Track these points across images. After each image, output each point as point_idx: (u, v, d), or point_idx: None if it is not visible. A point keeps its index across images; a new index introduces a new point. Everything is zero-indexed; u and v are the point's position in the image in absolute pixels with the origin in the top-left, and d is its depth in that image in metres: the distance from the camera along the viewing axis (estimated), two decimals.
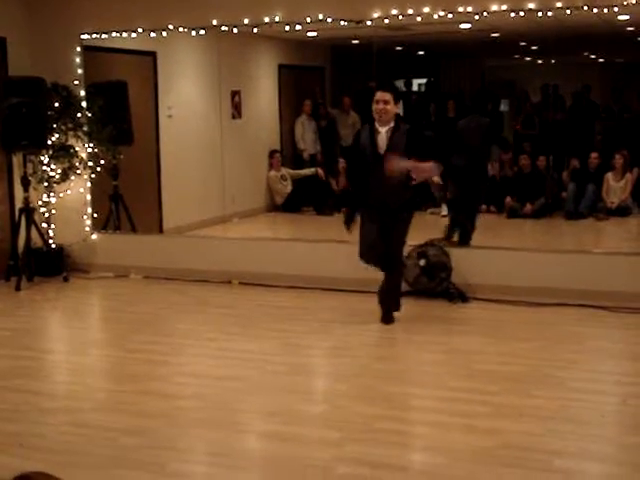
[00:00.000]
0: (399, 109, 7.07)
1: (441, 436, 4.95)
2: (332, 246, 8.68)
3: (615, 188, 11.50)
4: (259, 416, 5.46)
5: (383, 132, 6.91)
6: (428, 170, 6.74)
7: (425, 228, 9.10)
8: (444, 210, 11.64)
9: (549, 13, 7.97)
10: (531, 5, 7.95)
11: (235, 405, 5.57)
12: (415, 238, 8.67)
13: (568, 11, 7.91)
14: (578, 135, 12.33)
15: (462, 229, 9.32)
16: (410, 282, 8.30)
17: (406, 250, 8.32)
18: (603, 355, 6.59)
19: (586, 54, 12.84)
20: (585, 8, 7.83)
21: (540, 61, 13.50)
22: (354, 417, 5.28)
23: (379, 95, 6.90)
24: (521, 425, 5.07)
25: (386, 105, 6.87)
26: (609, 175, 11.57)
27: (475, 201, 9.83)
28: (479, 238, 9.18)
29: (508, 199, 11.64)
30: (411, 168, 6.66)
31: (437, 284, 8.20)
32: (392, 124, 6.93)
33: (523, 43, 12.24)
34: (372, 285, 8.27)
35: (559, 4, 7.87)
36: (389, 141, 6.87)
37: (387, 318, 7.30)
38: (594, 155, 11.64)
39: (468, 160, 9.43)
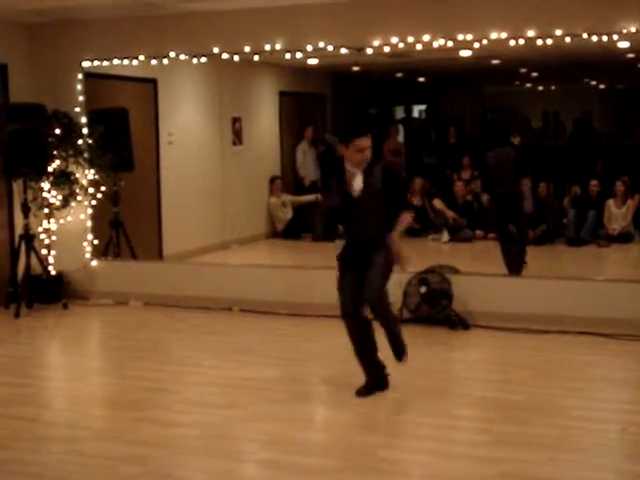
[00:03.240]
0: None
1: (442, 464, 4.91)
2: (333, 273, 8.63)
3: (617, 215, 11.50)
4: (259, 444, 5.41)
5: (359, 174, 6.11)
6: (406, 224, 6.28)
7: (427, 255, 9.09)
8: (445, 236, 11.65)
9: (549, 40, 7.99)
10: (531, 33, 7.97)
11: (235, 433, 5.53)
12: (416, 265, 8.67)
13: (568, 39, 7.93)
14: (579, 162, 12.36)
15: (514, 258, 9.30)
16: (411, 309, 8.29)
17: (407, 278, 8.32)
18: (604, 383, 6.55)
19: (587, 81, 12.89)
20: (585, 36, 7.85)
21: (541, 88, 13.56)
22: (354, 445, 5.24)
23: (360, 142, 6.02)
24: (522, 453, 5.03)
25: (367, 152, 6.07)
26: (610, 202, 11.58)
27: (520, 230, 9.78)
28: (480, 265, 9.17)
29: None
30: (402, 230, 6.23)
31: (438, 311, 8.18)
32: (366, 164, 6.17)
33: (523, 70, 12.28)
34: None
35: (559, 32, 7.89)
36: (365, 182, 6.11)
37: (367, 387, 6.29)
38: (594, 183, 11.67)
39: (505, 192, 9.47)
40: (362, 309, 6.27)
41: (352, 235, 6.31)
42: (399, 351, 6.34)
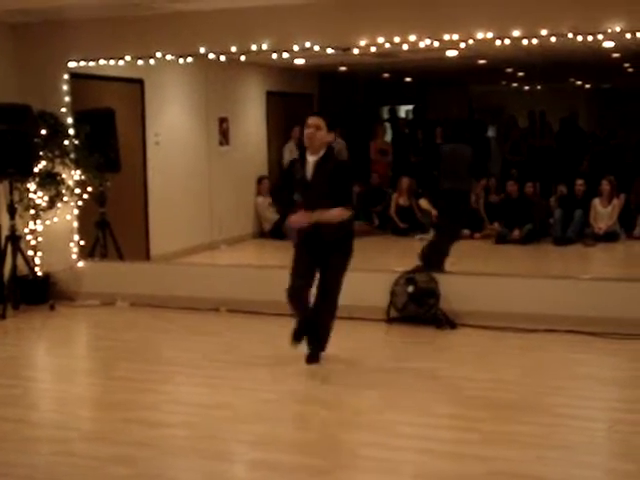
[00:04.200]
0: (331, 137, 6.65)
1: (429, 463, 4.92)
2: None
3: (602, 214, 11.56)
4: (248, 445, 5.41)
5: (311, 161, 6.59)
6: (336, 217, 6.49)
7: (414, 254, 9.09)
8: (431, 235, 11.66)
9: (534, 40, 8.02)
10: (516, 33, 7.99)
11: (224, 433, 5.53)
12: (403, 264, 8.70)
13: (553, 38, 7.95)
14: (565, 161, 12.41)
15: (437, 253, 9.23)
16: (398, 308, 8.30)
17: (394, 277, 8.35)
18: (591, 381, 6.57)
19: (572, 80, 12.95)
20: (570, 35, 7.88)
21: (527, 87, 13.62)
22: (342, 444, 5.26)
23: (310, 120, 6.53)
24: (510, 452, 5.04)
25: (317, 130, 6.50)
26: (596, 201, 11.64)
27: (455, 227, 9.72)
28: (467, 264, 9.19)
29: (496, 225, 11.69)
30: (318, 219, 6.50)
31: (425, 310, 8.20)
32: (322, 153, 6.57)
33: (509, 70, 12.33)
34: (360, 312, 8.28)
35: (544, 31, 7.91)
36: (315, 170, 6.56)
37: (312, 357, 6.91)
38: (579, 182, 11.72)
39: (452, 185, 9.40)
40: (307, 297, 6.75)
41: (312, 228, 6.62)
42: (319, 347, 6.90)
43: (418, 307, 8.22)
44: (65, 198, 9.51)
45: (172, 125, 10.99)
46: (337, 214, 6.49)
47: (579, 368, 6.89)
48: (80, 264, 9.79)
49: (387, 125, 14.29)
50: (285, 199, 6.97)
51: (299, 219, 6.58)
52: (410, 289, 8.24)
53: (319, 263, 6.73)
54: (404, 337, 7.96)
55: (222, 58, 9.15)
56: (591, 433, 5.38)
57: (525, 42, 8.05)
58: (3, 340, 8.30)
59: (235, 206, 11.94)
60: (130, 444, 5.31)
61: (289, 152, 12.58)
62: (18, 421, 5.81)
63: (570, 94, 13.07)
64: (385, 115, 14.88)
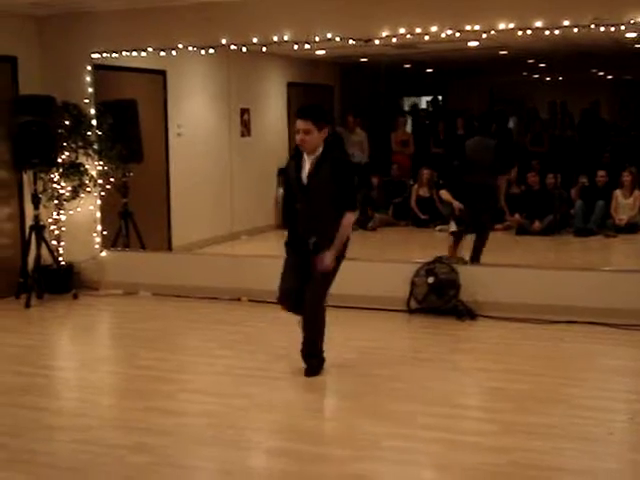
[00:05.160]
0: (325, 134, 6.20)
1: (450, 454, 4.94)
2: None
3: (624, 205, 11.51)
4: (267, 433, 5.46)
5: (308, 162, 6.22)
6: (347, 234, 6.24)
7: (434, 245, 9.11)
8: (452, 226, 11.64)
9: (557, 31, 7.98)
10: (538, 23, 7.96)
11: (243, 422, 5.56)
12: (424, 255, 8.70)
13: (575, 29, 7.92)
14: (587, 152, 12.35)
15: (473, 246, 9.31)
16: (419, 300, 8.31)
17: (414, 268, 8.35)
18: (612, 373, 6.57)
19: (594, 71, 12.87)
20: (592, 26, 7.84)
21: (548, 78, 13.55)
22: (361, 435, 5.27)
23: (298, 124, 6.14)
24: (529, 443, 5.05)
25: (306, 135, 6.10)
26: (618, 192, 11.58)
27: (486, 220, 9.76)
28: (488, 255, 9.18)
29: (516, 216, 11.66)
30: (338, 251, 6.22)
31: (446, 302, 8.20)
32: (319, 151, 6.19)
33: (531, 60, 12.27)
34: (380, 302, 8.30)
35: (566, 22, 7.88)
36: (313, 170, 6.18)
37: (309, 370, 6.48)
38: (601, 173, 11.66)
39: (479, 179, 9.40)
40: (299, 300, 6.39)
41: (301, 222, 6.33)
42: (310, 357, 6.48)
43: (438, 298, 8.23)
44: (88, 188, 9.57)
45: (194, 116, 11.02)
46: (346, 232, 6.22)
47: (600, 360, 6.89)
48: (103, 254, 9.85)
49: (408, 117, 14.27)
50: (289, 216, 6.50)
51: (327, 263, 6.16)
52: (430, 280, 8.25)
53: (308, 266, 6.30)
54: (424, 328, 7.98)
55: (244, 49, 9.16)
56: (611, 424, 5.38)
57: (547, 33, 8.02)
58: (27, 329, 8.37)
59: (256, 197, 11.96)
60: (150, 432, 5.36)
61: None
62: (40, 409, 5.87)
63: (592, 85, 13.00)
64: (406, 107, 14.87)
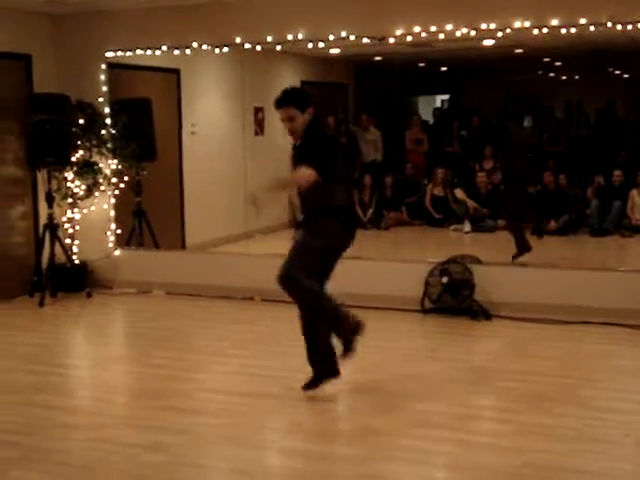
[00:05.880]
0: (309, 115, 5.89)
1: (465, 454, 4.92)
2: (351, 263, 8.64)
3: None
4: (282, 433, 5.45)
5: (297, 147, 5.96)
6: (303, 177, 5.55)
7: (448, 245, 9.07)
8: (467, 226, 11.63)
9: (573, 30, 7.93)
10: (554, 22, 7.92)
11: (258, 422, 5.55)
12: (438, 255, 8.67)
13: (592, 27, 7.87)
14: (603, 151, 12.29)
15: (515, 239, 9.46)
16: (433, 299, 8.29)
17: (428, 268, 8.32)
18: (628, 374, 6.53)
19: (610, 70, 12.82)
20: (609, 25, 7.79)
21: (564, 77, 13.50)
22: (376, 435, 5.25)
23: (280, 114, 5.85)
24: (545, 444, 5.02)
25: (292, 122, 5.82)
26: (634, 192, 11.53)
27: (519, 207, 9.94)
28: (502, 255, 9.15)
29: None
30: (291, 180, 5.85)
31: (460, 301, 8.17)
32: (303, 135, 5.88)
33: (547, 59, 12.23)
34: (394, 302, 8.28)
35: (582, 20, 7.84)
36: (300, 155, 5.85)
37: (313, 382, 5.99)
38: (617, 173, 11.60)
39: (519, 167, 9.62)
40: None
41: (302, 207, 6.17)
42: (341, 336, 5.77)
43: (453, 298, 8.19)
44: (102, 187, 9.59)
45: (208, 115, 11.02)
46: (296, 177, 5.65)
47: (615, 361, 6.84)
48: (117, 252, 9.86)
49: (422, 115, 14.24)
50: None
51: (301, 173, 5.59)
52: (445, 280, 8.22)
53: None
54: (439, 328, 7.95)
55: (258, 48, 9.15)
56: (627, 426, 5.34)
57: (563, 31, 7.97)
58: (41, 327, 8.38)
59: (269, 196, 11.93)
60: (164, 431, 5.35)
61: None
62: (54, 408, 5.87)
63: (608, 84, 12.94)
64: (420, 107, 14.83)
